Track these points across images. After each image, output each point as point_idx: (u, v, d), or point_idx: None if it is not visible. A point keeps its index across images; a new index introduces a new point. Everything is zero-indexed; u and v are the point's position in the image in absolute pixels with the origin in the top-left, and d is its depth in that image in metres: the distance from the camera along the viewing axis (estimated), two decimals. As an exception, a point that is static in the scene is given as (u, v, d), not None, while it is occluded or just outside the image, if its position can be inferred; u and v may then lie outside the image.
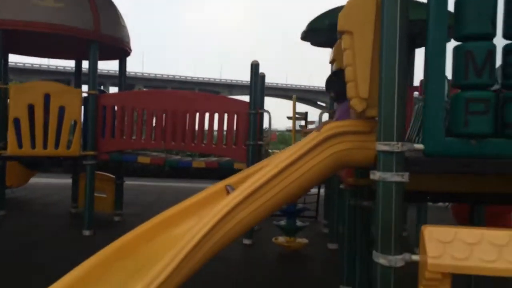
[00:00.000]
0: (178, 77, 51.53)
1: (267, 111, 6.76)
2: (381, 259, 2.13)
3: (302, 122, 7.51)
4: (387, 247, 2.13)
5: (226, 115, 6.40)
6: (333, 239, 6.08)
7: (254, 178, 2.57)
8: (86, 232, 6.38)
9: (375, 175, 2.20)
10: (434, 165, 2.34)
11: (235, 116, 6.36)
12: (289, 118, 7.25)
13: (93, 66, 6.61)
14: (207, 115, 6.49)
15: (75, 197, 8.16)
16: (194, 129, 6.48)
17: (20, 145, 6.09)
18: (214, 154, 7.23)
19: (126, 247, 2.59)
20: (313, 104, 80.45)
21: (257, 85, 6.33)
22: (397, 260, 2.12)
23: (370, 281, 3.11)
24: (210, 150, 6.69)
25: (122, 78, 7.90)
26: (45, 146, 6.25)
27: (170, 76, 51.45)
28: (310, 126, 7.33)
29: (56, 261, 5.24)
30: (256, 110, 6.25)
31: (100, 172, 7.44)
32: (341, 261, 4.16)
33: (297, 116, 7.21)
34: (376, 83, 2.31)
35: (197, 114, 6.45)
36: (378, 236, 2.17)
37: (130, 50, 7.74)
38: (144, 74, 53.29)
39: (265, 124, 7.06)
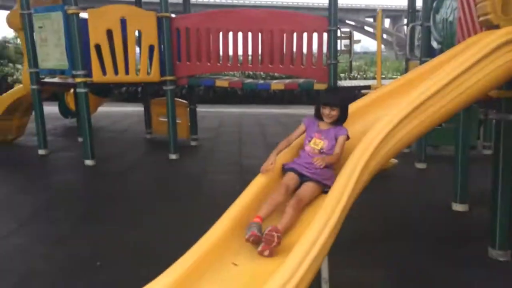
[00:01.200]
0: (242, 1, 49.19)
1: (349, 29, 6.44)
2: None
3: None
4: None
5: (305, 34, 6.15)
6: (420, 159, 6.01)
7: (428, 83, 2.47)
8: (173, 156, 6.55)
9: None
10: None
11: (314, 34, 6.10)
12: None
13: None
14: (284, 34, 6.24)
15: (148, 124, 8.32)
16: (272, 50, 6.29)
17: (104, 72, 6.12)
18: (292, 76, 7.06)
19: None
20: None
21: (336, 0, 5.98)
22: None
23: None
24: (289, 71, 6.52)
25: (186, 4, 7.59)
26: (127, 71, 6.26)
27: (234, 1, 49.07)
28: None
29: (155, 181, 5.47)
30: (336, 26, 5.97)
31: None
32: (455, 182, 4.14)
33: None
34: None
35: (274, 34, 6.22)
36: None
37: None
38: (204, 1, 51.30)
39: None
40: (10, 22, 7.25)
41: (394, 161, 5.87)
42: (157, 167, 6.24)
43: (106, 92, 9.68)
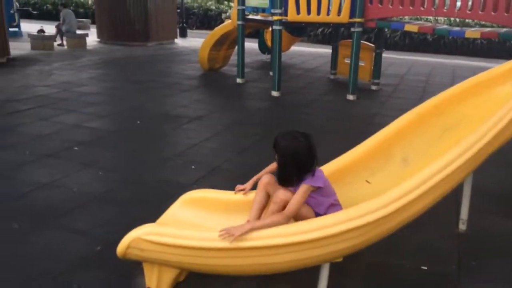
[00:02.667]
0: None
1: None
2: None
3: None
4: None
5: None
6: None
7: None
8: (350, 97, 6.85)
9: None
10: None
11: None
12: None
13: None
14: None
15: (334, 64, 8.68)
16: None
17: (298, 12, 6.62)
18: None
19: (440, 106, 2.68)
20: None
21: None
22: None
23: None
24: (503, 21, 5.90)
25: None
26: (318, 12, 6.63)
27: None
28: None
29: (328, 117, 5.90)
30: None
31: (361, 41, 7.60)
32: None
33: None
34: None
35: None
36: None
37: None
38: None
39: None
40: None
41: None
42: (333, 105, 6.64)
43: (300, 31, 10.29)
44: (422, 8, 6.38)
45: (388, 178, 2.29)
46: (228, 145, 4.59)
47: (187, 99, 6.50)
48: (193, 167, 3.91)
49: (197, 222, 2.32)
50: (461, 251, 2.66)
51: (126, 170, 3.83)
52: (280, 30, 6.87)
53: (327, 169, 2.34)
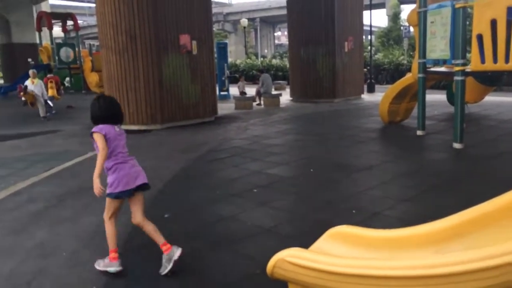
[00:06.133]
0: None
1: None
2: None
3: None
4: None
5: None
6: None
7: None
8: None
9: None
10: None
11: None
12: None
13: None
14: None
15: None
16: None
17: (482, 61, 6.30)
18: None
19: None
20: None
21: None
22: None
23: None
24: None
25: None
26: (507, 60, 6.18)
27: None
28: None
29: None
30: None
31: None
32: None
33: None
34: None
35: None
36: None
37: None
38: None
39: None
40: (409, 18, 8.49)
41: None
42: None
43: (494, 80, 9.51)
44: None
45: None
46: (394, 194, 4.63)
47: (361, 150, 6.74)
48: (353, 211, 4.11)
49: (339, 253, 2.54)
50: None
51: (293, 210, 4.28)
52: (462, 81, 6.61)
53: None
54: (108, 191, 2.99)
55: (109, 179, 3.01)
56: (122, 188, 2.97)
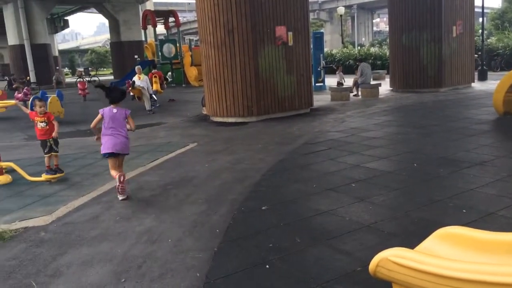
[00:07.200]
0: None
1: None
2: None
3: None
4: None
5: None
6: None
7: None
8: None
9: None
10: None
11: None
12: None
13: None
14: None
15: None
16: None
17: None
18: None
19: None
20: None
21: None
22: None
23: None
24: None
25: None
26: None
27: None
28: None
29: None
30: None
31: None
32: None
33: None
34: None
35: None
36: None
37: None
38: None
39: None
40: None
41: None
42: None
43: None
44: None
45: None
46: (511, 193, 4.15)
47: (472, 144, 6.17)
48: (464, 211, 3.77)
49: (448, 256, 2.34)
50: None
51: (395, 207, 4.04)
52: None
53: None
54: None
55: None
56: (104, 150, 4.72)
